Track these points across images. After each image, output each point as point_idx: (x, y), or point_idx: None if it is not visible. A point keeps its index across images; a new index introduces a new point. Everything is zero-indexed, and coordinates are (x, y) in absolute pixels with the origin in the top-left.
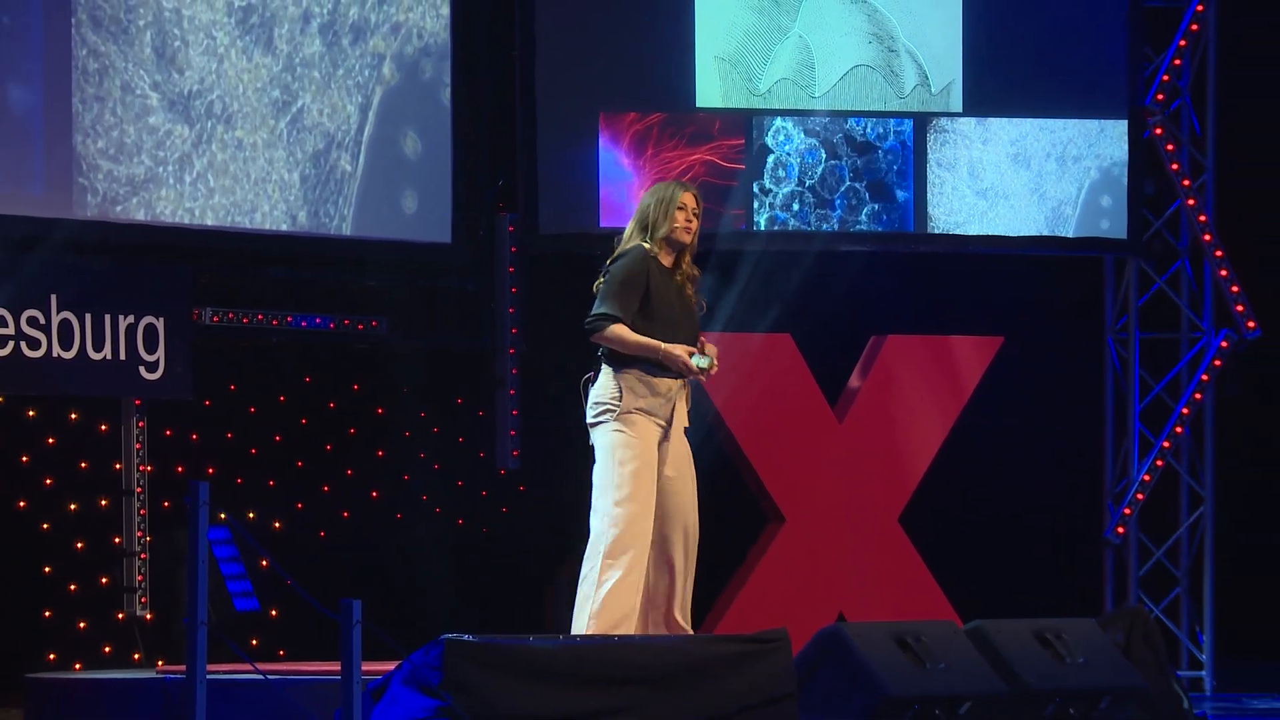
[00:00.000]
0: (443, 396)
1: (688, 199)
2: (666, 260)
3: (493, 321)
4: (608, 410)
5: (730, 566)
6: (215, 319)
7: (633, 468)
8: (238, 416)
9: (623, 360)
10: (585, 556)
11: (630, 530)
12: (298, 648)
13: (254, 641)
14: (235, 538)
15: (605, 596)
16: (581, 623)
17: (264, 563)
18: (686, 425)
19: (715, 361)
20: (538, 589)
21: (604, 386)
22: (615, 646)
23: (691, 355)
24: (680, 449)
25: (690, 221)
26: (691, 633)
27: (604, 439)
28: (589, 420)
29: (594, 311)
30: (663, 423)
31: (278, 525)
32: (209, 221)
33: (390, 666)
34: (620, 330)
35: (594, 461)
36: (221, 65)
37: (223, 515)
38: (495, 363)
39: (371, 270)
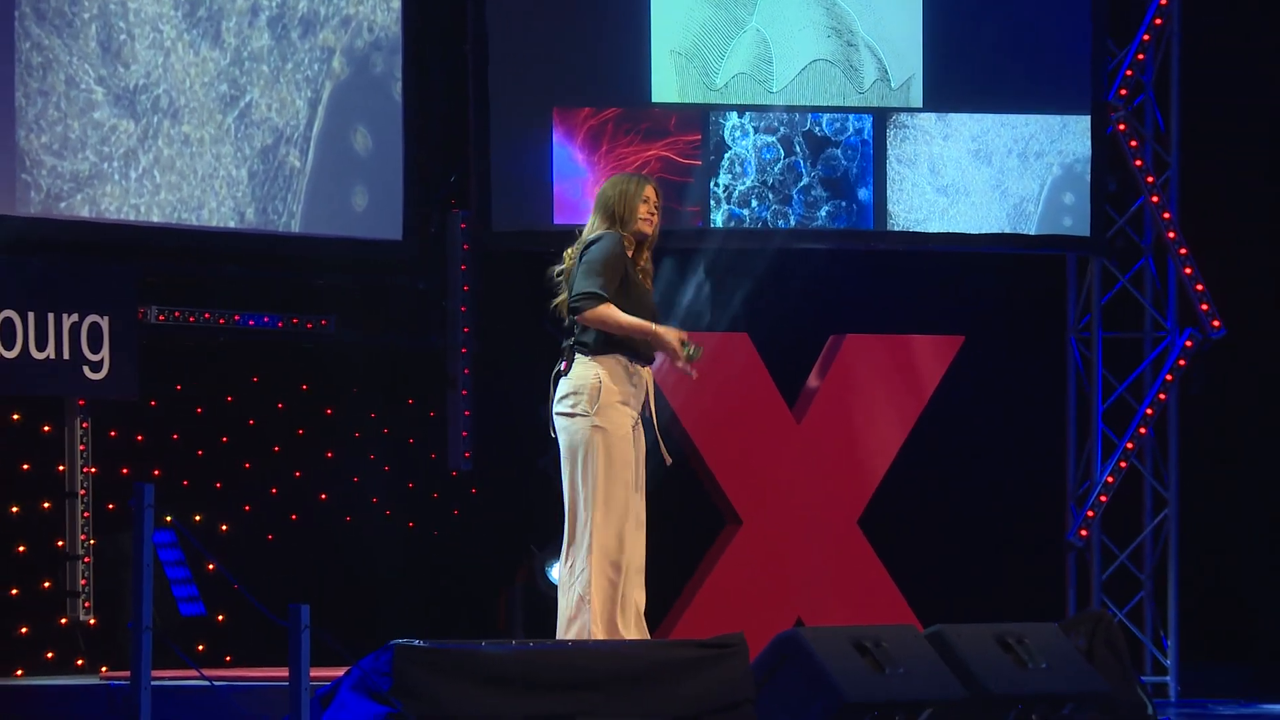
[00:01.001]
0: (393, 397)
1: (649, 192)
2: (631, 251)
3: (444, 320)
4: (585, 401)
5: (687, 569)
6: (161, 318)
7: (616, 473)
8: (184, 417)
9: (602, 346)
10: (564, 557)
11: (614, 544)
12: (245, 653)
13: (200, 647)
14: (181, 541)
15: (599, 621)
16: (572, 634)
17: (210, 566)
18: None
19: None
20: (490, 593)
21: (581, 376)
22: (569, 651)
23: (682, 341)
24: (645, 441)
25: (652, 214)
26: (647, 636)
27: (579, 434)
28: (560, 410)
29: (579, 291)
30: (636, 414)
31: (225, 528)
32: (155, 218)
33: (339, 672)
34: (610, 309)
35: (557, 454)
36: (168, 59)
37: (168, 518)
38: (447, 362)
39: (321, 268)
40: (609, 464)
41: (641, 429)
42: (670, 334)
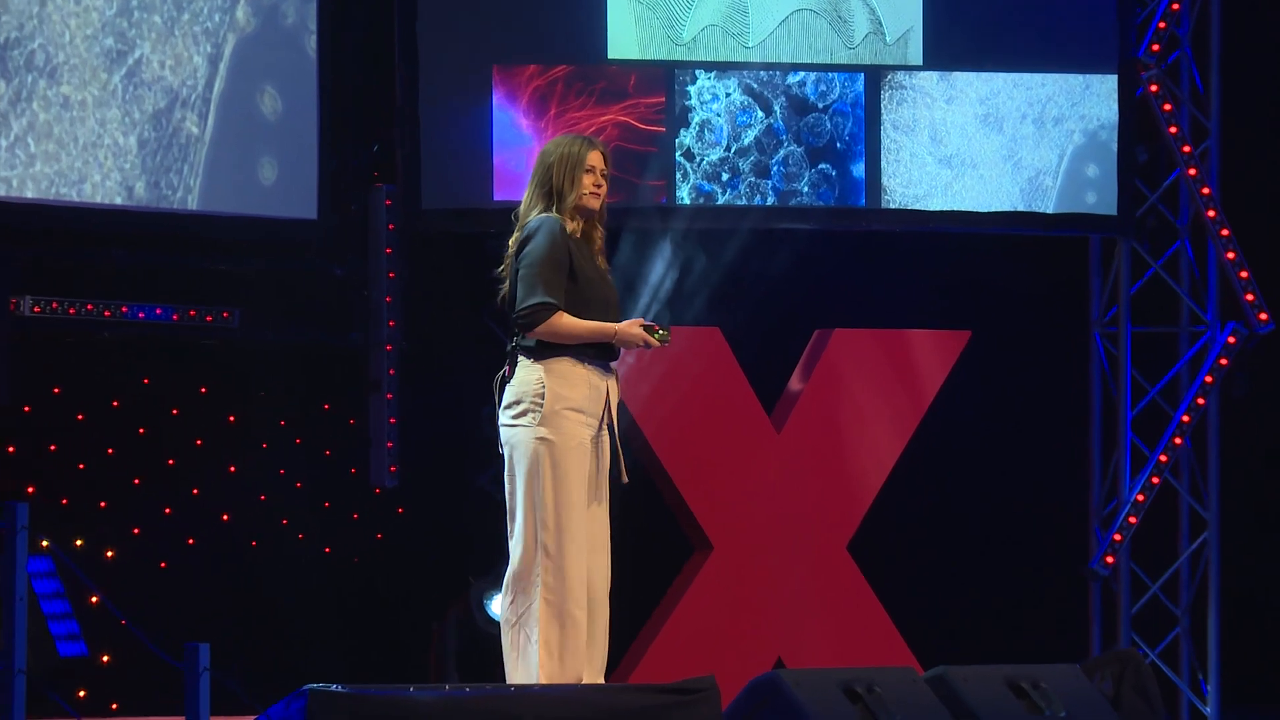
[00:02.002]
0: (307, 401)
1: (595, 158)
2: (575, 229)
3: (366, 313)
4: (529, 410)
5: (649, 603)
6: (37, 309)
7: (567, 491)
8: (63, 425)
9: (548, 349)
10: (507, 589)
11: (571, 574)
12: (134, 700)
13: (81, 693)
14: (59, 569)
15: (553, 664)
16: (519, 679)
17: (94, 599)
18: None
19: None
20: (421, 629)
21: (524, 382)
22: (511, 698)
23: (647, 328)
24: (610, 449)
25: (599, 185)
26: (602, 681)
27: (523, 447)
28: (504, 421)
29: (526, 303)
30: (595, 420)
31: (110, 554)
32: (29, 194)
33: None
34: (562, 321)
35: (501, 469)
36: (44, 9)
37: (45, 543)
38: (369, 362)
39: (223, 252)
40: (558, 480)
41: (608, 437)
42: (631, 327)
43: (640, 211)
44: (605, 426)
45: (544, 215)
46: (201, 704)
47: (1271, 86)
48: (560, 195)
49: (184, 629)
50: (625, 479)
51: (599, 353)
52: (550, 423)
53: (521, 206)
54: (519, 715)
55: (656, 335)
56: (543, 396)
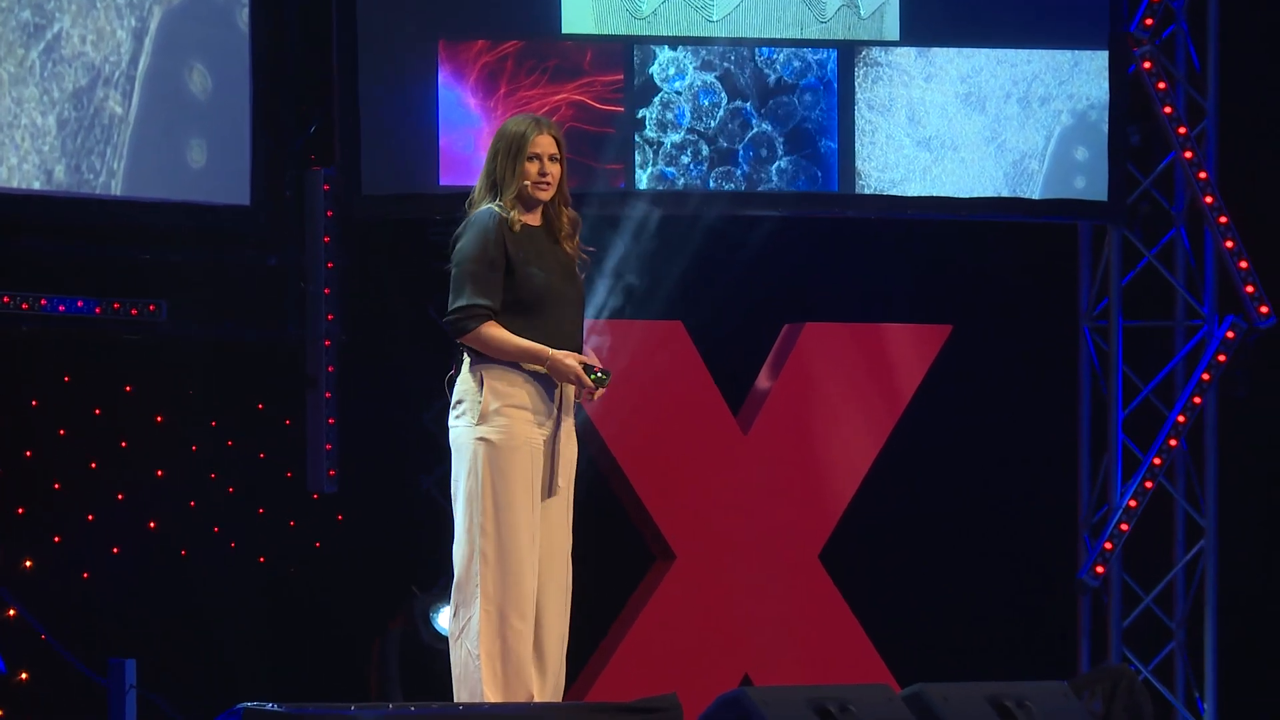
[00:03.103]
0: (239, 401)
1: (541, 142)
2: (531, 218)
3: (303, 305)
4: (469, 409)
5: (607, 616)
6: None
7: (505, 492)
8: None
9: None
10: (451, 601)
11: (512, 583)
12: (55, 719)
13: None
14: None
15: (496, 681)
16: (464, 697)
17: (11, 612)
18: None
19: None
20: (362, 644)
21: (465, 379)
22: (459, 716)
23: (585, 366)
24: (569, 450)
25: (545, 174)
26: (559, 699)
27: (464, 447)
28: (449, 422)
29: (453, 306)
30: (546, 419)
31: (29, 564)
32: None
33: None
34: (492, 332)
35: (447, 472)
36: None
37: None
38: (306, 357)
39: (149, 240)
40: (498, 482)
41: (572, 437)
42: (568, 359)
43: (597, 197)
44: (560, 425)
45: (483, 208)
46: None
47: (1272, 65)
48: (502, 185)
49: (108, 643)
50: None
51: (547, 344)
52: (490, 421)
53: (473, 194)
54: None
55: (593, 377)
56: (481, 394)
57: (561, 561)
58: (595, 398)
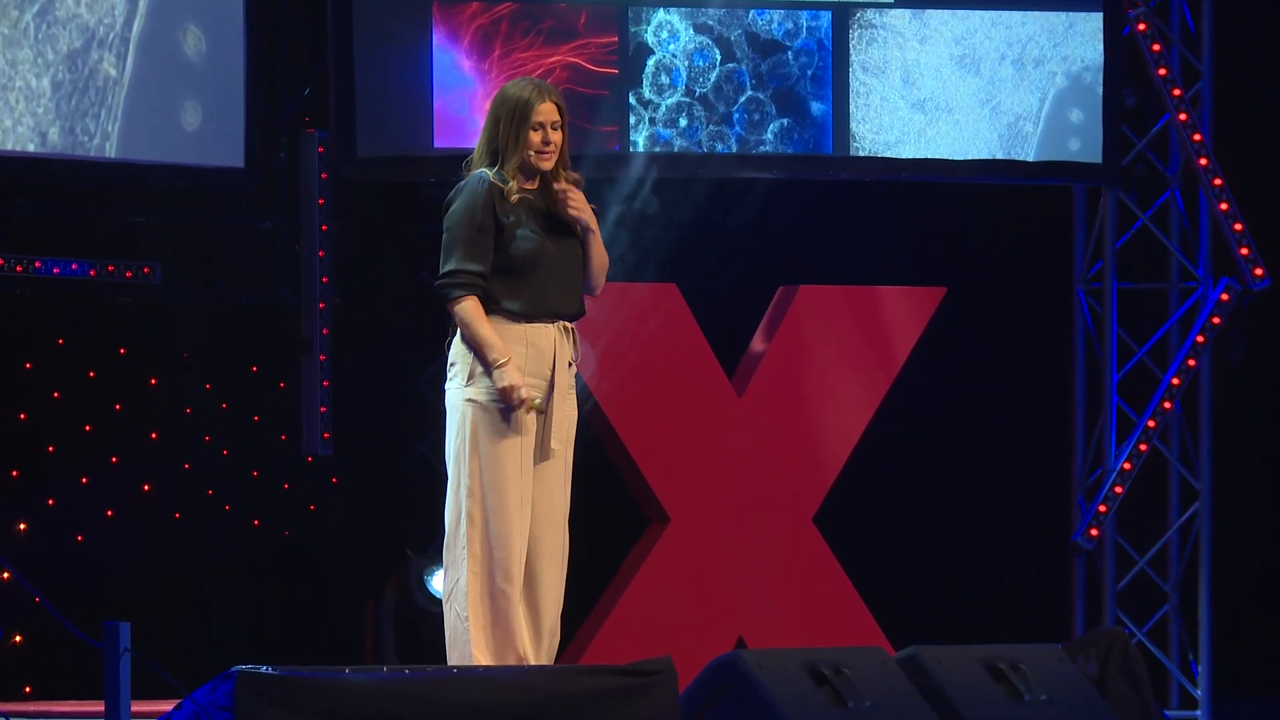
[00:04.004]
0: (233, 363)
1: (545, 111)
2: (528, 183)
3: (297, 268)
4: (460, 371)
5: (601, 580)
6: None
7: (491, 454)
8: None
9: (499, 306)
10: (444, 559)
11: (498, 545)
12: (49, 683)
13: None
14: None
15: (483, 643)
16: (456, 659)
17: (5, 575)
18: (576, 373)
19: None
20: (356, 607)
21: (458, 341)
22: (454, 679)
23: (523, 392)
24: (566, 414)
25: (549, 142)
26: (551, 662)
27: (454, 408)
28: (445, 384)
29: (441, 270)
30: (538, 380)
31: (23, 527)
32: None
33: (168, 706)
34: (467, 310)
35: (442, 435)
36: None
37: None
38: (301, 320)
39: (143, 203)
40: (484, 444)
41: (568, 400)
42: (511, 377)
43: (592, 159)
44: (554, 388)
45: (477, 172)
46: (121, 686)
47: (1267, 26)
48: (504, 154)
49: (102, 606)
50: (559, 447)
51: (537, 306)
52: (478, 383)
53: (471, 157)
54: (461, 698)
55: (532, 402)
56: (472, 356)
57: (558, 525)
58: (517, 406)
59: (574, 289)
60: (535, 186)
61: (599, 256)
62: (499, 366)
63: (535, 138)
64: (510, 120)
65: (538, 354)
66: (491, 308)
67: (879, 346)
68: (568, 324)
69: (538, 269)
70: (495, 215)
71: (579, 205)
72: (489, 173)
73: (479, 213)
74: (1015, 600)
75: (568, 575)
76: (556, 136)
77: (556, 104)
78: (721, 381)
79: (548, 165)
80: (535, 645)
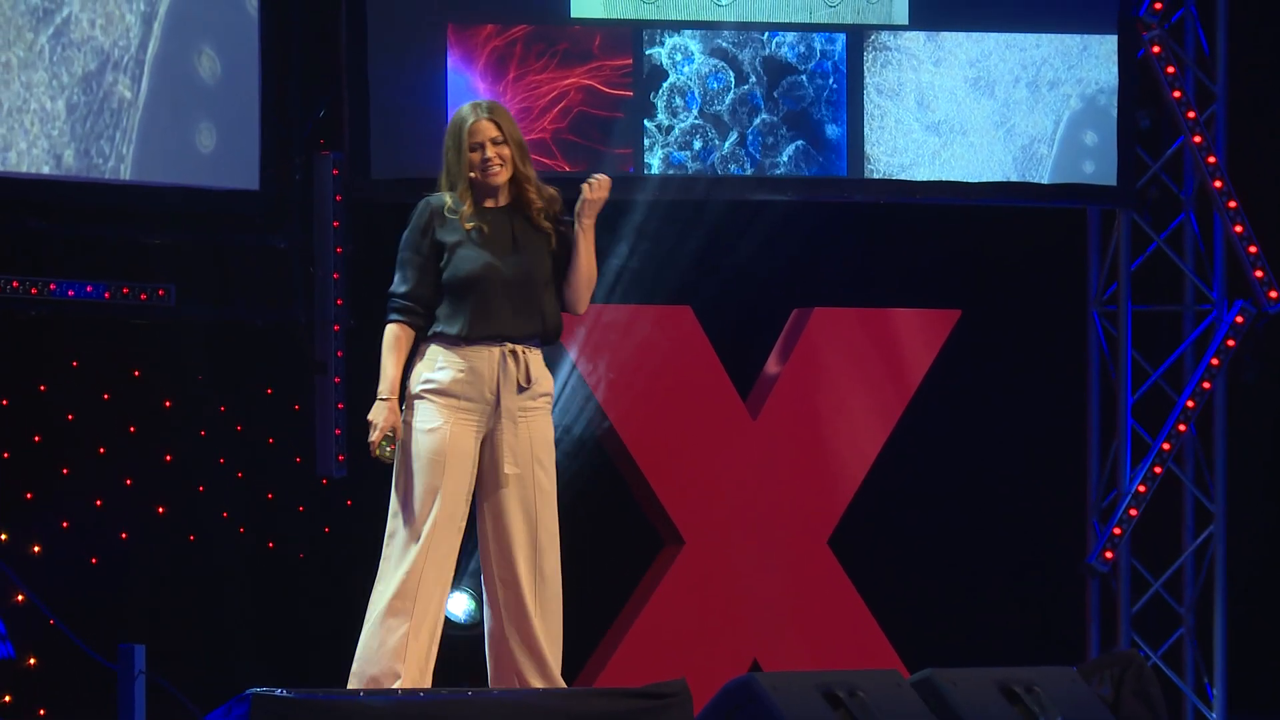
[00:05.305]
0: (248, 385)
1: (478, 129)
2: (493, 201)
3: (311, 290)
4: (409, 390)
5: (616, 602)
6: None
7: (415, 475)
8: None
9: (424, 331)
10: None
11: (402, 568)
12: (64, 705)
13: (7, 698)
14: None
15: (360, 650)
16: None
17: (20, 597)
18: (544, 395)
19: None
20: None
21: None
22: (468, 702)
23: (385, 438)
24: (521, 435)
25: (489, 159)
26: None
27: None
28: None
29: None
30: (477, 404)
31: (38, 549)
32: None
33: None
34: (386, 336)
35: None
36: None
37: None
38: (315, 342)
39: (158, 225)
40: (406, 466)
41: (535, 422)
42: (371, 415)
43: None
44: (502, 412)
45: (425, 198)
46: (136, 709)
47: None
48: (452, 178)
49: (117, 629)
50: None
51: (478, 329)
52: (410, 404)
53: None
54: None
55: (381, 449)
56: (414, 377)
57: (527, 552)
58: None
59: (531, 310)
60: (501, 204)
61: (587, 265)
62: (377, 398)
63: (475, 158)
64: (453, 144)
65: (476, 378)
66: (435, 330)
67: (894, 369)
68: (518, 347)
69: (477, 290)
70: (435, 237)
71: (594, 202)
72: (442, 196)
73: (415, 235)
74: (1030, 623)
75: (583, 597)
76: (499, 151)
77: (493, 120)
78: (736, 404)
79: (498, 179)
80: (421, 668)
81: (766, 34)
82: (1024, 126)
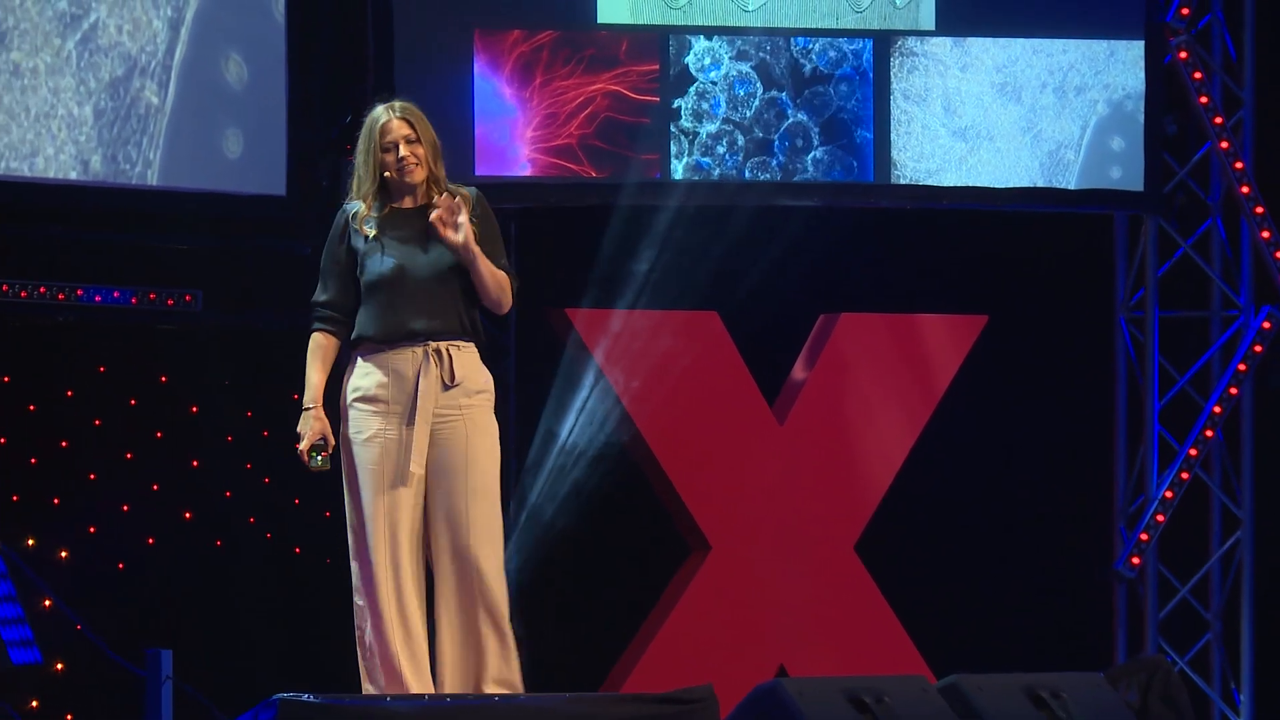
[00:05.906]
0: (273, 390)
1: (390, 129)
2: (407, 202)
3: None
4: (342, 401)
5: (643, 608)
6: None
7: (352, 485)
8: (12, 416)
9: (351, 330)
10: None
11: (368, 576)
12: (90, 710)
13: (34, 703)
14: (10, 570)
15: (363, 671)
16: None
17: (47, 602)
18: (479, 391)
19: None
20: None
21: None
22: (495, 707)
23: (313, 447)
24: (457, 433)
25: (403, 158)
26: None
27: None
28: None
29: None
30: (393, 407)
31: (64, 554)
32: None
33: None
34: (310, 345)
35: None
36: None
37: None
38: (341, 348)
39: (185, 230)
40: (348, 475)
41: (463, 421)
42: (301, 428)
43: (632, 187)
44: (415, 413)
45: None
46: (164, 714)
47: None
48: (363, 180)
49: (144, 634)
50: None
51: (393, 330)
52: (344, 415)
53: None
54: None
55: (311, 454)
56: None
57: (456, 552)
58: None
59: (447, 308)
60: (414, 205)
61: (488, 276)
62: (303, 409)
63: (389, 158)
64: (365, 146)
65: (399, 380)
66: (357, 335)
67: (920, 375)
68: (441, 345)
69: (389, 290)
70: (350, 243)
71: (445, 221)
72: (349, 204)
73: (333, 243)
74: (1057, 628)
75: (611, 603)
76: (413, 150)
77: (405, 119)
78: (763, 409)
79: (415, 178)
80: (424, 682)
81: (793, 40)
82: (1051, 132)
